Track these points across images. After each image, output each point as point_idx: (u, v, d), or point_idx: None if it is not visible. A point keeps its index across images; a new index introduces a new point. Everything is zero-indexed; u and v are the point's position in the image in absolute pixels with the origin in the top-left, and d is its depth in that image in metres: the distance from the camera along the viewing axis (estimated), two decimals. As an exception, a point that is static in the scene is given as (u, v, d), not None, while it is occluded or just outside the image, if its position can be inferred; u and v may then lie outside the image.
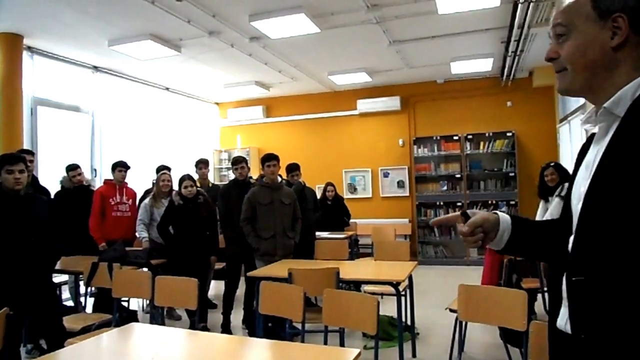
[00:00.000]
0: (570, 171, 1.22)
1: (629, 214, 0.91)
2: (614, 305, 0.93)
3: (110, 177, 5.51)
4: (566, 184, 1.15)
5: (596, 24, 1.02)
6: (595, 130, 1.09)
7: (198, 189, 4.93)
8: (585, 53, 1.04)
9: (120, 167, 5.39)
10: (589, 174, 1.04)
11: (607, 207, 0.96)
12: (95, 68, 6.99)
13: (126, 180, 5.47)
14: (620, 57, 1.02)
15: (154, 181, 5.52)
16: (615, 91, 1.02)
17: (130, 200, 5.44)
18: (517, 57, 6.65)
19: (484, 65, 7.61)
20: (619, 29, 1.00)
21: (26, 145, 5.56)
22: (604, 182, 0.98)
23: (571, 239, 1.06)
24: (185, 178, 4.82)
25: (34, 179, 4.87)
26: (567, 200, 1.15)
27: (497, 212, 1.24)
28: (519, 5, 4.70)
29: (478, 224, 1.19)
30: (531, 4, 4.64)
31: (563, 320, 1.08)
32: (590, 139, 1.13)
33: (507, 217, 1.24)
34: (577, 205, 1.06)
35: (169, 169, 5.90)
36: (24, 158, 3.33)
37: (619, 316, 0.93)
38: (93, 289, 4.61)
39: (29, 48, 5.91)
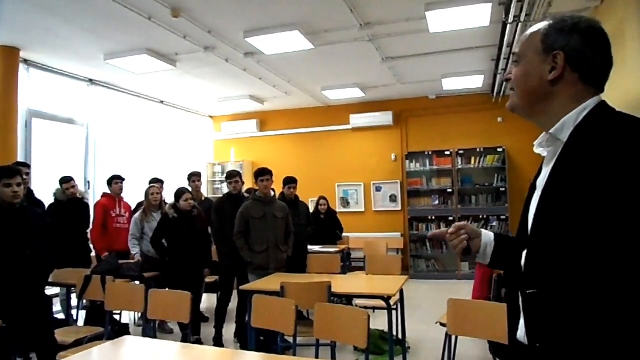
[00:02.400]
0: None
1: (573, 232, 1.00)
2: (564, 315, 1.02)
3: (105, 189, 5.56)
4: None
5: (540, 57, 1.15)
6: (545, 154, 1.19)
7: (194, 202, 4.97)
8: (527, 81, 1.17)
9: (117, 179, 5.55)
10: (538, 195, 1.14)
11: (552, 226, 1.05)
12: (91, 81, 7.03)
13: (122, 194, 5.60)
14: (556, 90, 1.13)
15: (146, 194, 5.55)
16: (554, 118, 1.13)
17: (127, 213, 5.61)
18: (507, 75, 6.77)
19: (475, 82, 7.75)
20: (557, 65, 1.12)
21: (20, 158, 5.56)
22: (550, 202, 1.08)
23: (524, 254, 1.15)
24: (185, 191, 4.90)
25: (30, 192, 4.88)
26: (523, 218, 1.23)
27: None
28: (508, 25, 4.83)
29: (461, 227, 1.35)
30: (519, 24, 4.77)
31: (522, 332, 1.15)
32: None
33: (491, 233, 1.38)
34: (530, 222, 1.16)
35: (161, 181, 5.93)
36: (21, 171, 3.35)
37: (569, 325, 1.01)
38: (84, 301, 4.61)
39: (26, 61, 5.96)
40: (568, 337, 1.02)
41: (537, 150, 1.22)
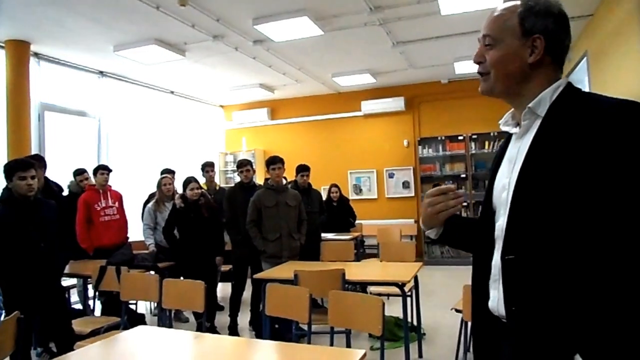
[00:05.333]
0: None
1: (556, 199, 1.05)
2: (543, 278, 1.07)
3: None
4: None
5: (519, 40, 1.17)
6: (514, 131, 1.25)
7: (201, 190, 4.96)
8: (507, 64, 1.19)
9: (102, 170, 5.12)
10: (513, 167, 1.18)
11: (535, 194, 1.09)
12: (101, 73, 7.06)
13: (110, 183, 5.20)
14: (534, 73, 1.18)
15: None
16: (531, 96, 1.18)
17: (117, 203, 5.19)
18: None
19: (488, 65, 7.59)
20: (536, 49, 1.16)
21: (34, 151, 5.61)
22: (533, 172, 1.12)
23: (499, 224, 1.20)
24: (192, 180, 4.83)
25: (47, 184, 4.86)
26: (488, 192, 1.28)
27: None
28: (522, 5, 4.70)
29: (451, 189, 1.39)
30: (534, 4, 4.65)
31: (494, 303, 1.20)
32: (507, 140, 1.30)
33: None
34: (501, 194, 1.20)
35: (172, 172, 5.93)
36: (34, 164, 3.36)
37: (546, 288, 1.06)
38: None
39: (36, 54, 5.98)
40: (544, 301, 1.06)
41: (504, 127, 1.30)
